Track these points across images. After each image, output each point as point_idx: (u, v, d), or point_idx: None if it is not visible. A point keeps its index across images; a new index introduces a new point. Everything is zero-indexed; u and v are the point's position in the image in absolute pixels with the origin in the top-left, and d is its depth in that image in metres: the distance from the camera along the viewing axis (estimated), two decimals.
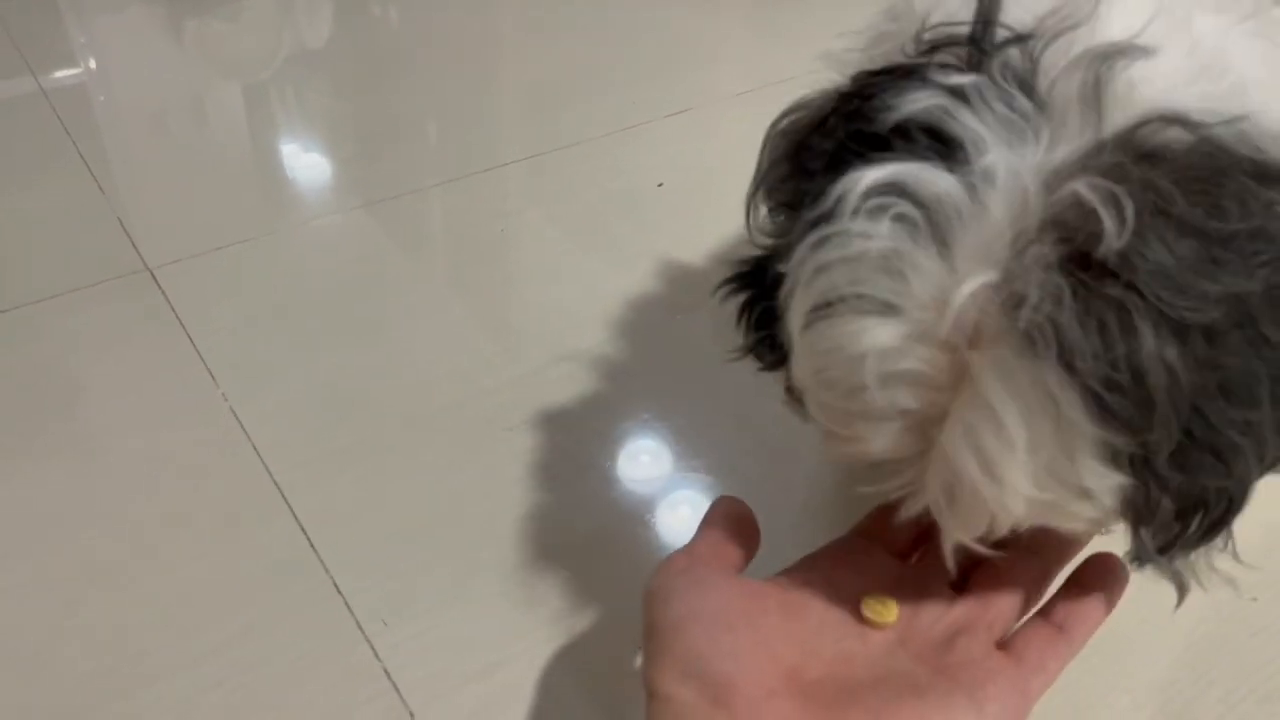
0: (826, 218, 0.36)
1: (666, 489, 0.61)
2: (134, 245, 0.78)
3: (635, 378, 0.68)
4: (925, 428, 0.37)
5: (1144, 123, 0.34)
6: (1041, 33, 0.36)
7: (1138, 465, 0.34)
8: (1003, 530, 0.37)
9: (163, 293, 0.74)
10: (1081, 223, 0.32)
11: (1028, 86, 0.35)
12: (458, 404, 0.65)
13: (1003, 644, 0.42)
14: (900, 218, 0.34)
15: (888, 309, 0.35)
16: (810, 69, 0.44)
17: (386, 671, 0.50)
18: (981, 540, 0.38)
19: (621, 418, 0.65)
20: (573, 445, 0.63)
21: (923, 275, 0.34)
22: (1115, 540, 0.41)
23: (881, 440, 0.37)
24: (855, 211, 0.35)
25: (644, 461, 0.62)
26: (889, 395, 0.36)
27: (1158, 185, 0.32)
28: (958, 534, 0.38)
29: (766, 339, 0.45)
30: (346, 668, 0.50)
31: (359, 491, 0.60)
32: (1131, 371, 0.32)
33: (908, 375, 0.35)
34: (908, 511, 0.40)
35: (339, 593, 0.54)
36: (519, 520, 0.58)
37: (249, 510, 0.58)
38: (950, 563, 0.40)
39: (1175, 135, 0.34)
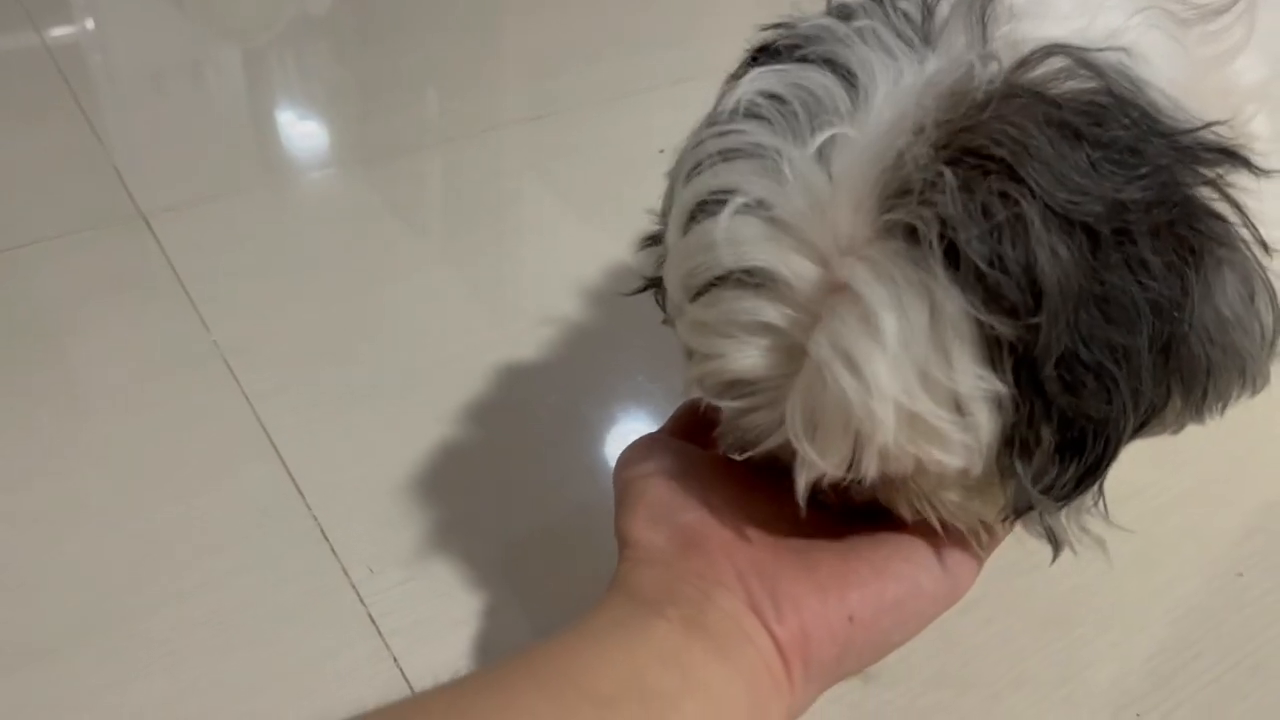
0: (710, 122, 0.37)
1: None
2: (129, 193, 0.78)
3: (629, 339, 0.67)
4: (791, 352, 0.35)
5: (1030, 50, 0.35)
6: None
7: (1022, 373, 0.33)
8: (868, 464, 0.35)
9: (156, 239, 0.73)
10: (963, 117, 0.33)
11: (914, 18, 0.36)
12: (448, 359, 0.65)
13: None
14: (779, 115, 0.35)
15: (758, 204, 0.34)
16: None
17: (371, 617, 0.50)
18: (846, 481, 0.37)
19: (614, 378, 0.64)
20: (564, 403, 0.62)
21: (796, 171, 0.34)
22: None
23: (743, 357, 0.36)
24: (736, 112, 0.36)
25: (634, 421, 0.62)
26: (751, 302, 0.35)
27: (1041, 93, 0.33)
28: (820, 464, 0.36)
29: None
30: (331, 613, 0.50)
31: (348, 441, 0.59)
32: (1019, 254, 0.32)
33: (771, 278, 0.34)
34: (766, 443, 0.39)
35: (325, 539, 0.53)
36: (508, 473, 0.58)
37: (237, 456, 0.58)
38: (803, 502, 0.38)
39: (1059, 61, 0.35)
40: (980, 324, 0.32)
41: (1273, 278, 0.39)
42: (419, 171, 0.85)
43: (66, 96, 0.90)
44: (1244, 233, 0.37)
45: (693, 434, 0.47)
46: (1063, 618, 0.50)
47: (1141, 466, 0.53)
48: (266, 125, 0.93)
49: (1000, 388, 0.33)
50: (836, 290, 0.34)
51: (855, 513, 0.42)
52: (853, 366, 0.33)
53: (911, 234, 0.32)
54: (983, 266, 0.31)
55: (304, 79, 1.00)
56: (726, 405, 0.38)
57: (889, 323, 0.32)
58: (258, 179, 0.82)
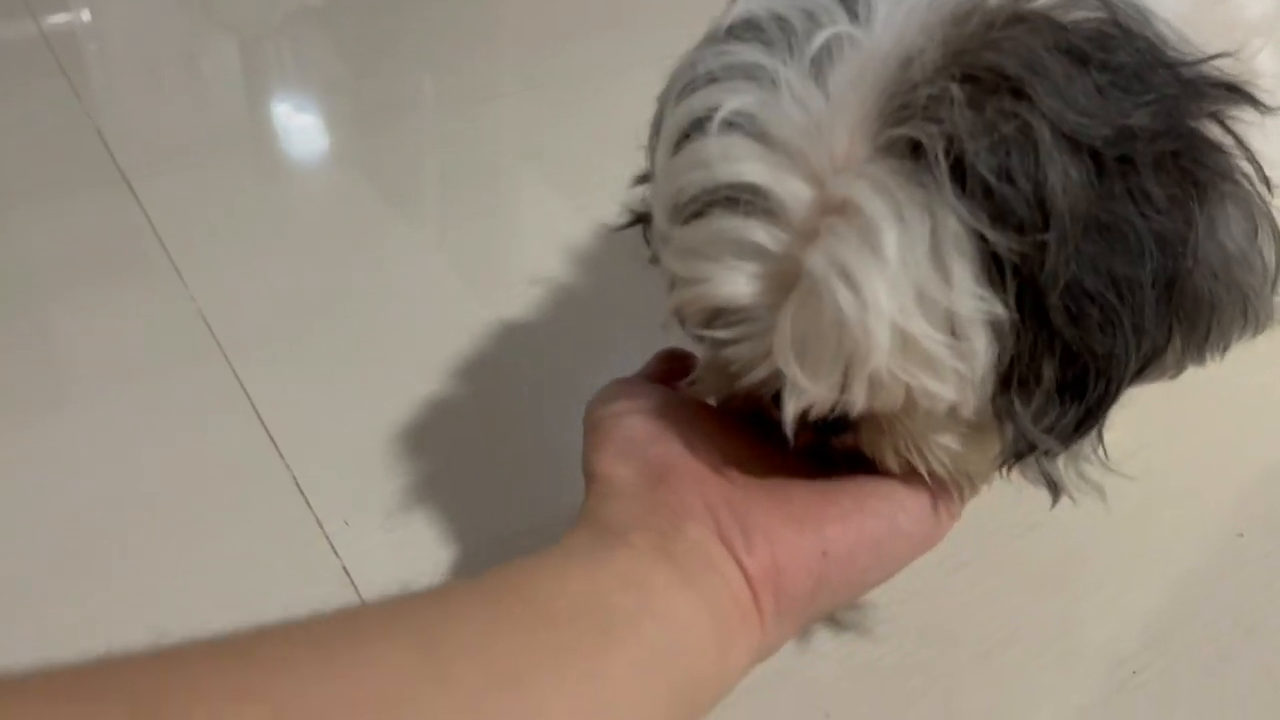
0: (705, 42, 0.36)
1: None
2: (110, 154, 0.76)
3: (618, 307, 0.66)
4: (781, 280, 0.34)
5: None
6: None
7: (1026, 299, 0.32)
8: (857, 391, 0.34)
9: (137, 199, 0.72)
10: (970, 38, 0.32)
11: None
12: (432, 320, 0.64)
13: None
14: (777, 33, 0.34)
15: (751, 121, 0.33)
16: None
17: (345, 569, 0.49)
18: (834, 414, 0.36)
19: (600, 341, 0.63)
20: (548, 365, 0.61)
21: (792, 89, 0.33)
22: None
23: (730, 281, 0.34)
24: (732, 30, 0.35)
25: None
26: (741, 222, 0.33)
27: (1049, 17, 0.33)
28: (810, 389, 0.34)
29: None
30: (305, 564, 0.49)
31: (327, 399, 0.58)
32: (1028, 168, 0.31)
33: (764, 198, 0.33)
34: (750, 377, 0.37)
35: (299, 491, 0.52)
36: (490, 430, 0.56)
37: (213, 409, 0.57)
38: (791, 434, 0.36)
39: None
40: (984, 241, 0.31)
41: (1276, 214, 0.38)
42: (408, 136, 0.83)
43: (56, 72, 0.89)
44: (1247, 168, 0.36)
45: (667, 380, 0.46)
46: (1057, 576, 0.49)
47: (1143, 425, 0.52)
48: (254, 90, 0.92)
49: (1000, 311, 0.32)
50: (833, 210, 0.33)
51: (834, 459, 0.41)
52: (850, 282, 0.32)
53: (913, 150, 0.31)
54: (991, 180, 0.30)
55: (295, 48, 0.99)
56: (707, 336, 0.37)
57: (890, 238, 0.31)
58: (243, 142, 0.81)
